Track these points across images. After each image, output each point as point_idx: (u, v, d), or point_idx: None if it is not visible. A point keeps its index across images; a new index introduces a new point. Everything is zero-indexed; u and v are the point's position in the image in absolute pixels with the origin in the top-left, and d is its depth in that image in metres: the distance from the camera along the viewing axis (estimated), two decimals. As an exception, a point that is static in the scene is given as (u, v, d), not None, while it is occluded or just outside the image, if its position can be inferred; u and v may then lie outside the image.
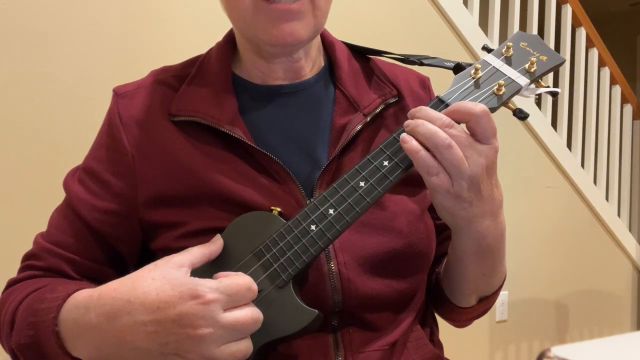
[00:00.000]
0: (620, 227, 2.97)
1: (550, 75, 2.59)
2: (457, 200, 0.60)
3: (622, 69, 3.04)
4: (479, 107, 0.60)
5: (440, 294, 0.79)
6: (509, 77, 0.65)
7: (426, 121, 0.59)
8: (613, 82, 3.00)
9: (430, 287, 0.81)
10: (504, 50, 0.68)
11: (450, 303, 0.78)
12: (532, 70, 0.66)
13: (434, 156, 0.59)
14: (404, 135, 0.60)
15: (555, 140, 2.60)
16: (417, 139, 0.59)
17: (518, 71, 0.66)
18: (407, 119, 0.73)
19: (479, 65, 0.66)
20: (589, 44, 2.85)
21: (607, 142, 2.98)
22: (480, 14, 2.33)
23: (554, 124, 2.65)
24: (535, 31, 2.55)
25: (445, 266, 0.77)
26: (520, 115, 0.65)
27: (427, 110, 0.61)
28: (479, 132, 0.60)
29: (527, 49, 0.68)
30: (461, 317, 0.81)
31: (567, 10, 2.69)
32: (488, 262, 0.69)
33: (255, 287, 0.59)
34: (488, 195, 0.62)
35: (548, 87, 0.67)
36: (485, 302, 0.77)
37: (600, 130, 2.95)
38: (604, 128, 2.95)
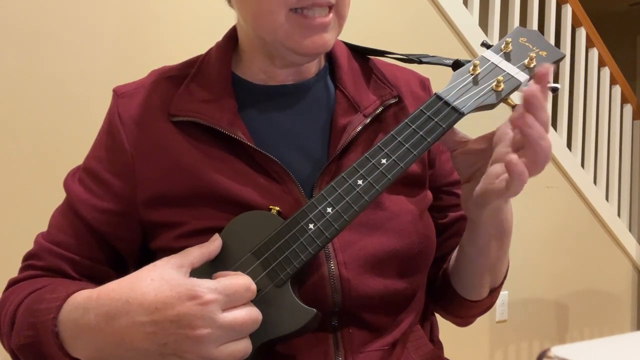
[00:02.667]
0: (620, 227, 2.97)
1: (551, 73, 2.58)
2: None
3: (622, 69, 3.04)
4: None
5: (448, 291, 0.78)
6: (508, 73, 0.65)
7: (545, 135, 0.58)
8: (613, 82, 3.00)
9: (436, 286, 0.81)
10: (503, 46, 0.67)
11: (460, 299, 0.77)
12: (532, 65, 0.65)
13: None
14: (514, 158, 0.56)
15: (555, 140, 2.60)
16: (529, 153, 0.57)
17: (517, 67, 0.66)
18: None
19: (477, 62, 0.66)
20: (589, 44, 2.85)
21: (607, 142, 2.98)
22: (480, 13, 2.33)
23: (554, 124, 2.65)
24: (535, 31, 2.55)
25: (457, 261, 0.76)
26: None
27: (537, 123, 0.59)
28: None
29: (527, 44, 0.68)
30: (469, 313, 0.80)
31: (567, 10, 2.69)
32: (505, 244, 0.70)
33: (254, 287, 0.59)
34: None
35: (548, 82, 0.67)
36: (494, 294, 0.77)
37: (600, 130, 2.94)
38: (604, 128, 2.95)
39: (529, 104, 0.58)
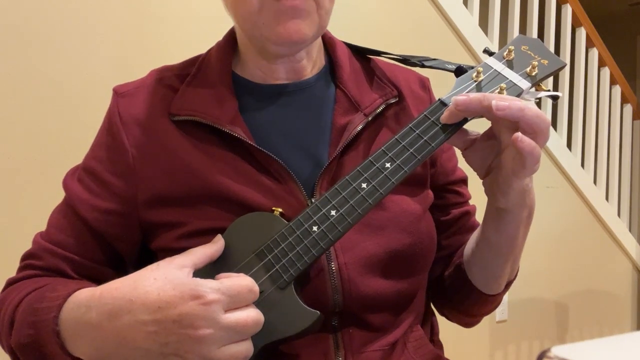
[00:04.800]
0: (620, 227, 2.97)
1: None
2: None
3: (622, 69, 3.04)
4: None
5: (463, 287, 0.78)
6: (510, 80, 0.66)
7: (523, 105, 0.59)
8: (613, 82, 3.00)
9: (447, 284, 0.80)
10: (505, 53, 0.68)
11: (478, 294, 0.76)
12: (533, 73, 0.66)
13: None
14: (520, 135, 0.58)
15: (555, 140, 2.60)
16: (521, 126, 0.58)
17: (519, 75, 0.66)
18: (407, 119, 0.73)
19: (480, 69, 0.66)
20: (589, 44, 2.85)
21: (607, 142, 2.98)
22: (480, 14, 2.33)
23: (554, 124, 2.65)
24: (535, 31, 2.55)
25: (478, 254, 0.75)
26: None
27: (508, 97, 0.61)
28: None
29: (529, 52, 0.68)
30: (482, 310, 0.80)
31: (567, 10, 2.69)
32: (528, 230, 0.71)
33: (256, 288, 0.59)
34: None
35: (549, 90, 0.67)
36: (508, 287, 0.78)
37: (600, 130, 2.94)
38: (604, 128, 2.95)
39: (478, 109, 0.60)
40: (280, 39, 0.67)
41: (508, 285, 0.78)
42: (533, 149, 0.58)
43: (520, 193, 0.63)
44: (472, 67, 0.68)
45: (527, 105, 0.58)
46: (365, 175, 0.63)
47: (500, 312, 2.47)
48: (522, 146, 0.57)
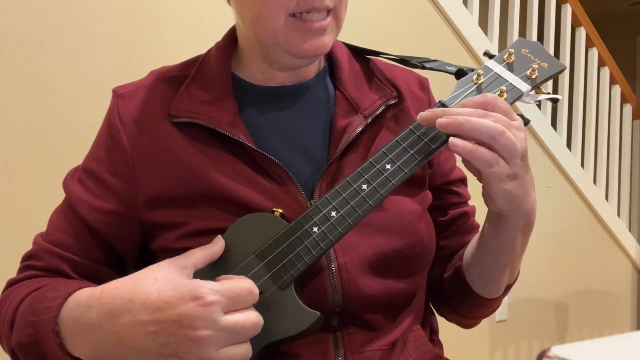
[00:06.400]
0: (620, 227, 2.96)
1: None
2: (515, 180, 0.61)
3: (622, 69, 3.04)
4: (488, 96, 0.61)
5: (462, 290, 0.77)
6: (510, 83, 0.66)
7: (467, 117, 0.59)
8: (613, 82, 3.00)
9: (446, 287, 0.80)
10: (505, 56, 0.68)
11: (476, 297, 0.76)
12: (534, 77, 0.66)
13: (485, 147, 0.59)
14: (452, 140, 0.59)
15: (555, 140, 2.60)
16: (464, 137, 0.59)
17: (520, 78, 0.67)
18: (407, 121, 0.73)
19: (481, 71, 0.67)
20: (589, 44, 2.84)
21: (607, 142, 2.98)
22: (480, 13, 2.33)
23: (554, 124, 2.65)
24: (535, 31, 2.55)
25: (476, 257, 0.74)
26: (523, 121, 0.65)
27: (456, 108, 0.61)
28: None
29: (529, 55, 0.69)
30: (481, 313, 0.80)
31: (567, 10, 2.69)
32: (527, 239, 0.70)
33: (256, 291, 0.59)
34: (529, 166, 0.63)
35: (549, 93, 0.68)
36: (508, 291, 0.78)
37: (600, 130, 2.94)
38: (604, 128, 2.95)
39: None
40: (306, 55, 0.68)
41: (508, 289, 0.78)
42: (471, 152, 0.58)
43: (505, 198, 0.62)
44: (473, 70, 0.68)
45: (466, 119, 0.58)
46: (366, 177, 0.63)
47: (500, 313, 2.47)
48: (455, 150, 0.59)
